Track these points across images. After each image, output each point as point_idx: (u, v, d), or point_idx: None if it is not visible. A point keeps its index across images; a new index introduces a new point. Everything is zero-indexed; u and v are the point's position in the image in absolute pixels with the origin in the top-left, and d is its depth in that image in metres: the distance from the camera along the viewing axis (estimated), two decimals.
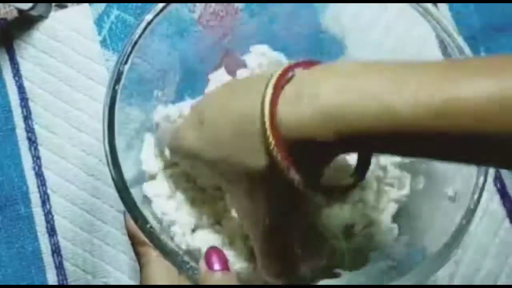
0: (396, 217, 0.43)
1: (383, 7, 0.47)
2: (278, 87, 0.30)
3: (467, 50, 0.38)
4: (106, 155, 0.37)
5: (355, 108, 0.27)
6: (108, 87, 0.38)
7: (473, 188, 0.37)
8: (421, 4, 0.40)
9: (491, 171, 0.37)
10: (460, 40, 0.38)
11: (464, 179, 0.38)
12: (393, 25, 0.47)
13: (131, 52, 0.38)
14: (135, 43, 0.38)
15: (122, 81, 0.38)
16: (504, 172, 0.49)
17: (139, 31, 0.39)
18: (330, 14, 0.49)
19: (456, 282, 0.47)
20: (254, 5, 0.48)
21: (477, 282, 0.47)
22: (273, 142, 0.29)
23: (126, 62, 0.38)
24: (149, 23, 0.39)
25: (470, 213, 0.37)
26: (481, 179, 0.37)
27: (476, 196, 0.37)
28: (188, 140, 0.35)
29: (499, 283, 0.47)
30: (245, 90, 0.33)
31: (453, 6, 0.52)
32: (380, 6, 0.47)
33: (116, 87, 0.37)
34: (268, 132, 0.29)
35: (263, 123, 0.29)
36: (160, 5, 0.40)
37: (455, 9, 0.52)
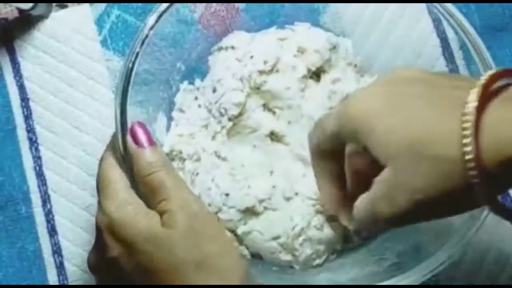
0: None
1: (384, 7, 0.48)
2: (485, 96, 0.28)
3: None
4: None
5: None
6: (119, 87, 0.38)
7: None
8: (441, 4, 0.40)
9: None
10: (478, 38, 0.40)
11: None
12: (394, 25, 0.47)
13: (139, 50, 0.39)
14: (142, 42, 0.39)
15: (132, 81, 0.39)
16: None
17: (145, 31, 0.39)
18: (330, 14, 0.49)
19: (456, 282, 0.47)
20: (254, 5, 0.48)
21: (477, 282, 0.47)
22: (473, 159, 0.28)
23: (135, 60, 0.39)
24: (155, 23, 0.39)
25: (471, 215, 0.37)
26: None
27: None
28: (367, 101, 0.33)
29: (499, 284, 0.47)
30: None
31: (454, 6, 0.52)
32: (381, 6, 0.48)
33: (128, 86, 0.38)
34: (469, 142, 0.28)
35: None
36: (162, 5, 0.40)
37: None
